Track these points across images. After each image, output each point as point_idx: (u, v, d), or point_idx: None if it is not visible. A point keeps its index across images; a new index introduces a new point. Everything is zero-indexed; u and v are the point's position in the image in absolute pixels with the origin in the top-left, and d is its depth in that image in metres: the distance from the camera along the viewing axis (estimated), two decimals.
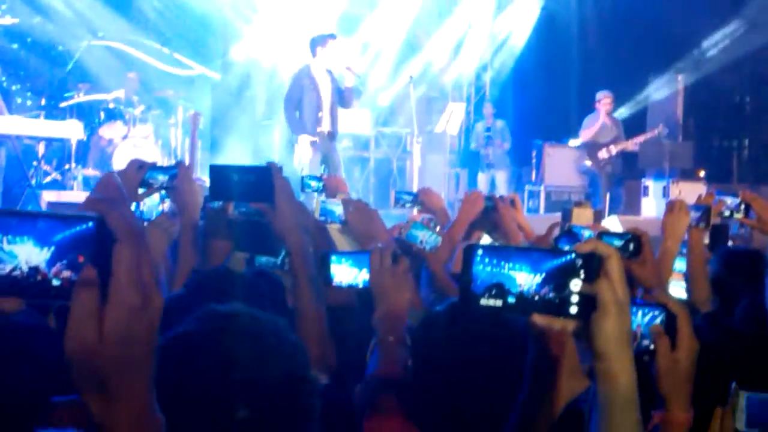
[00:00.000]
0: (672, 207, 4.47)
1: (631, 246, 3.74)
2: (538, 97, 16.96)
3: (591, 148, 14.21)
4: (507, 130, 15.57)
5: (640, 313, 2.19)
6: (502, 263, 1.62)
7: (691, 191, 12.43)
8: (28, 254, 1.28)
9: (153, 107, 14.20)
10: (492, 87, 17.98)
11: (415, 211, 5.80)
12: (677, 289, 4.68)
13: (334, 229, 4.76)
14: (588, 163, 14.24)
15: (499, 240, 4.99)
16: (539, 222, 10.46)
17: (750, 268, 4.25)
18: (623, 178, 14.87)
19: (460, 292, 1.65)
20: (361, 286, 3.08)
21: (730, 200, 4.97)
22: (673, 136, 15.66)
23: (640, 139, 14.38)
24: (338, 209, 4.81)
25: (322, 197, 5.74)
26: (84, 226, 1.29)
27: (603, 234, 3.95)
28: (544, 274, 1.60)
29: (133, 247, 1.28)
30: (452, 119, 14.92)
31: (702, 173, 15.54)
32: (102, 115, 13.82)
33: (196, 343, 1.76)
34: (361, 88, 12.20)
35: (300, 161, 11.20)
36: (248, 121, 15.24)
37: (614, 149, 14.08)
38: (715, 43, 16.73)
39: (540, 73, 17.25)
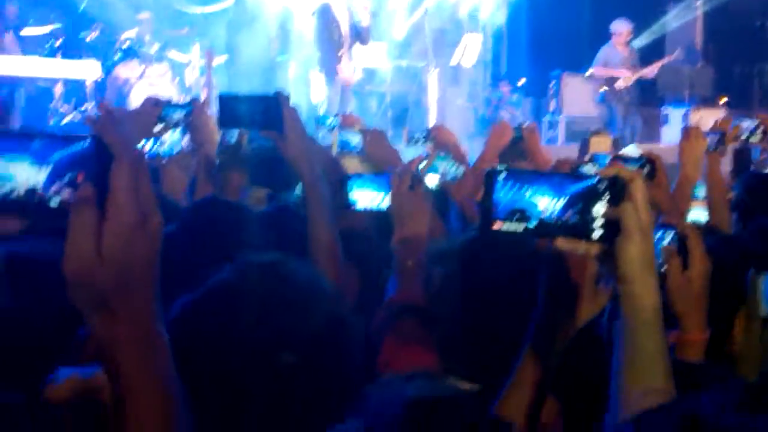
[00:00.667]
0: (687, 133, 4.44)
1: (646, 169, 3.75)
2: (553, 26, 16.73)
3: (608, 77, 14.05)
4: (520, 101, 15.89)
5: None
6: (525, 187, 1.61)
7: (711, 118, 12.28)
8: (26, 174, 1.26)
9: (168, 46, 14.13)
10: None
11: (428, 147, 5.77)
12: (701, 216, 4.67)
13: (353, 159, 4.75)
14: (605, 89, 14.07)
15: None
16: (559, 152, 10.44)
17: None
18: (640, 107, 14.70)
19: (480, 217, 1.64)
20: (380, 209, 3.07)
21: (747, 123, 4.92)
22: (693, 63, 15.48)
23: (657, 65, 14.20)
24: (355, 139, 4.78)
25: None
26: (81, 145, 1.27)
27: (618, 158, 3.95)
28: (566, 198, 1.60)
29: (130, 164, 1.26)
30: (468, 51, 14.79)
31: (724, 99, 15.41)
32: (117, 54, 13.79)
33: (237, 291, 1.76)
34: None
35: (318, 98, 11.27)
36: (263, 57, 15.16)
37: (631, 78, 13.90)
38: None
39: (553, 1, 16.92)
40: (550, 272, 1.92)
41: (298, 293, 1.76)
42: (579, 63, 15.71)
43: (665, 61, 14.32)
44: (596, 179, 1.60)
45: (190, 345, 1.48)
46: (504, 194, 1.62)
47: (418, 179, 2.93)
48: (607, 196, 1.59)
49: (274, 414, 1.70)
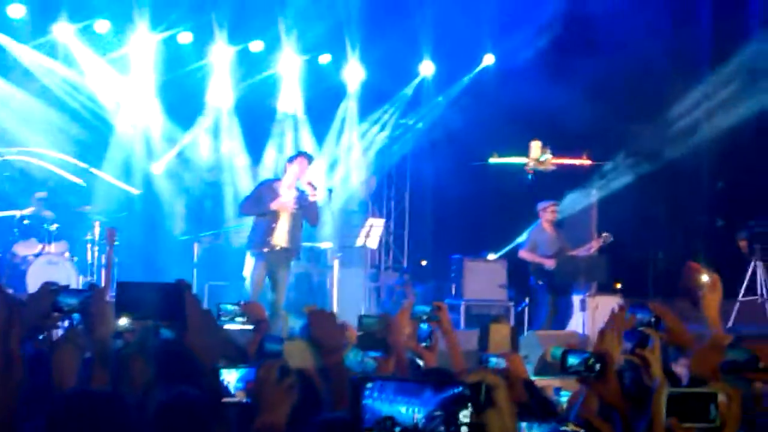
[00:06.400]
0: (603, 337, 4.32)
1: (597, 366, 3.65)
2: (454, 211, 17.05)
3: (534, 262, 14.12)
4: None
5: None
6: (391, 396, 1.63)
7: (608, 304, 12.54)
8: None
9: (68, 224, 14.00)
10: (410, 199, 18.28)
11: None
12: None
13: (299, 343, 4.67)
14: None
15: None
16: (461, 336, 10.48)
17: None
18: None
19: (350, 425, 1.66)
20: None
21: (641, 315, 4.95)
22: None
23: (587, 248, 14.45)
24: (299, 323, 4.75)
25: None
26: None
27: (568, 351, 3.80)
28: (433, 407, 1.62)
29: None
30: (371, 234, 14.98)
31: (618, 286, 15.72)
32: (16, 231, 13.61)
33: None
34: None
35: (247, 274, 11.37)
36: (165, 235, 15.28)
37: (554, 264, 13.98)
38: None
39: (459, 185, 17.26)
40: None
41: None
42: (479, 247, 16.00)
43: (596, 245, 14.48)
44: (461, 387, 1.62)
45: None
46: (372, 402, 1.63)
47: (286, 371, 2.95)
48: (471, 403, 1.61)
49: None
